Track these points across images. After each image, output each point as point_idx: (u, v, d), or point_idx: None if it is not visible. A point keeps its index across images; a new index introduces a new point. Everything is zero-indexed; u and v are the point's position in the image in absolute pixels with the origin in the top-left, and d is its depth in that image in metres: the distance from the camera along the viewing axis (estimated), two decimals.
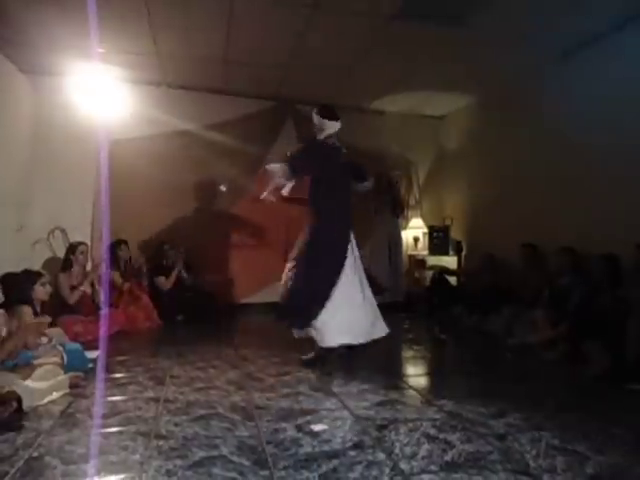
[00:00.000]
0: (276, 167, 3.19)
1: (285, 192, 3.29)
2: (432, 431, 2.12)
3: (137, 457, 1.86)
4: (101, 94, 5.08)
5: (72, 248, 4.41)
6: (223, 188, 5.55)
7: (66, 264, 4.33)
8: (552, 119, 4.49)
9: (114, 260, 4.74)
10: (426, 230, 6.15)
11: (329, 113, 3.34)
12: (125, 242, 4.89)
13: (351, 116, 5.86)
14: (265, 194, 3.28)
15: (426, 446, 1.97)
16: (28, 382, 2.42)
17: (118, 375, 2.96)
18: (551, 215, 4.45)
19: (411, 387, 2.80)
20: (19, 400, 2.25)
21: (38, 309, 3.24)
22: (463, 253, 5.78)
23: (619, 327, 3.01)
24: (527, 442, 2.01)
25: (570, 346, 3.38)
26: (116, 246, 4.80)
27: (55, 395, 2.50)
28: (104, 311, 4.24)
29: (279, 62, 4.72)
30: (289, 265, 3.24)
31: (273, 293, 5.76)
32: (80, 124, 4.99)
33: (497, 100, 5.35)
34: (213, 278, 5.48)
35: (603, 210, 3.89)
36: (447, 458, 1.86)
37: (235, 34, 4.09)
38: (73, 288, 4.21)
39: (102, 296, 4.48)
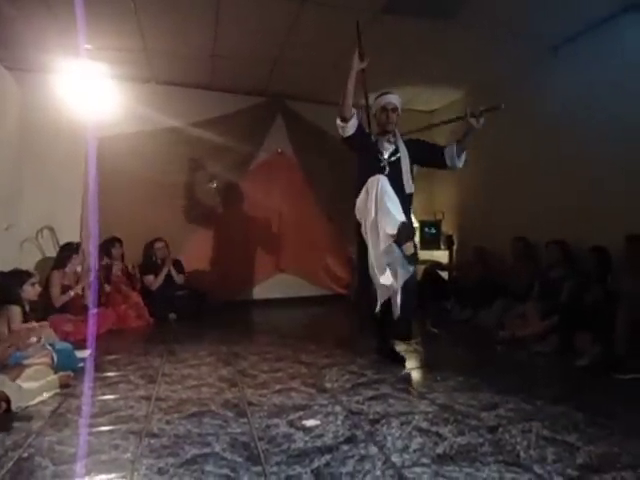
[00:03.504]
0: None
1: None
2: (424, 424, 2.13)
3: (128, 456, 1.85)
4: (89, 91, 5.03)
5: (69, 247, 4.37)
6: (213, 185, 5.52)
7: (60, 262, 4.28)
8: (542, 113, 4.51)
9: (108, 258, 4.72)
10: (417, 225, 6.16)
11: None
12: (119, 240, 4.85)
13: None
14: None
15: (418, 439, 1.98)
16: (17, 382, 2.39)
17: (109, 374, 2.94)
18: (542, 208, 4.48)
19: (403, 381, 2.81)
20: (8, 401, 2.23)
21: (27, 309, 3.20)
22: (454, 247, 5.80)
23: (609, 319, 3.04)
24: (518, 433, 2.02)
25: (560, 338, 3.42)
26: (110, 244, 4.76)
27: (45, 395, 2.48)
28: (94, 310, 4.22)
29: (268, 58, 4.70)
30: None
31: (266, 290, 5.84)
32: (68, 121, 4.94)
33: (487, 94, 5.35)
34: (204, 275, 5.46)
35: (593, 203, 3.92)
36: (439, 451, 1.87)
37: (223, 30, 4.06)
38: (64, 288, 4.16)
39: (91, 295, 4.45)
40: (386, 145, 3.27)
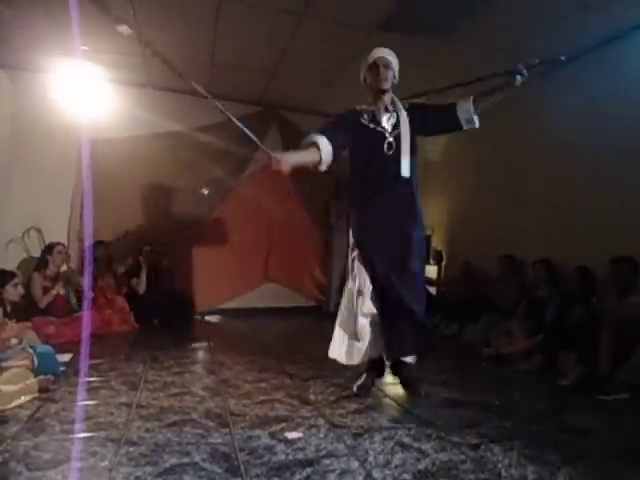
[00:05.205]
0: None
1: None
2: (406, 440, 2.12)
3: (106, 464, 1.81)
4: (84, 93, 5.01)
5: (49, 248, 4.32)
6: (205, 191, 5.51)
7: (41, 264, 4.23)
8: (534, 133, 4.58)
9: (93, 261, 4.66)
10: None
11: None
12: (103, 243, 4.82)
13: None
14: None
15: (400, 455, 1.97)
16: None
17: (90, 379, 2.89)
18: (529, 227, 4.53)
19: (387, 395, 2.80)
20: None
21: (9, 310, 3.15)
22: (443, 263, 5.83)
23: (592, 339, 3.07)
24: (500, 451, 2.02)
25: (544, 357, 3.44)
26: (93, 248, 4.72)
27: (23, 399, 2.43)
28: (81, 313, 4.17)
29: (265, 67, 4.73)
30: None
31: (252, 299, 5.81)
32: (61, 122, 4.91)
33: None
34: (192, 282, 5.43)
35: (579, 222, 3.98)
36: (420, 467, 1.86)
37: (222, 37, 4.08)
38: (46, 289, 4.11)
39: (77, 298, 4.39)
40: (385, 115, 2.65)
